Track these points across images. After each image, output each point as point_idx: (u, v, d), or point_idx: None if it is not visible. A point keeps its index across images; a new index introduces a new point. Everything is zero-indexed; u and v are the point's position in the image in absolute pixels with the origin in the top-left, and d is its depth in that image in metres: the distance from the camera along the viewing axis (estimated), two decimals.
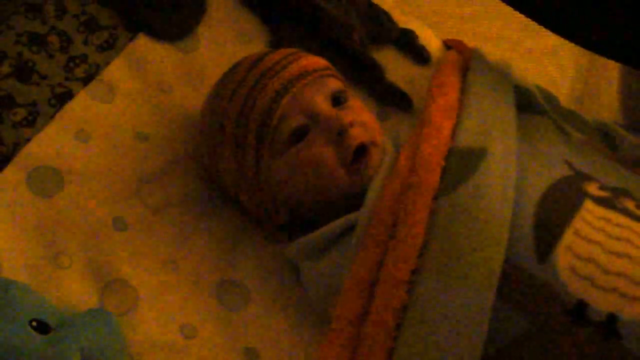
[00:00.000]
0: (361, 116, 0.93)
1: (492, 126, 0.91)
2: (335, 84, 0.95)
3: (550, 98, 1.06)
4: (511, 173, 0.84)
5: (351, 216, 0.89)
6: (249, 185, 0.94)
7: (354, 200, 0.90)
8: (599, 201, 0.82)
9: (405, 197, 0.84)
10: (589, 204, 0.82)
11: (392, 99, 1.12)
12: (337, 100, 0.94)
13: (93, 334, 0.79)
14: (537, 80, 1.12)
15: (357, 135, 0.90)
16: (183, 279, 0.94)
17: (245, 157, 0.92)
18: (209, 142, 0.96)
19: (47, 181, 0.93)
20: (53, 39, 1.02)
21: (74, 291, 0.88)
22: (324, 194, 0.92)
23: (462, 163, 0.85)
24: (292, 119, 0.91)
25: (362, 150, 0.91)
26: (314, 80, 0.93)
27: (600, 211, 0.81)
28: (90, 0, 1.07)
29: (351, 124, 0.90)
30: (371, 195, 0.88)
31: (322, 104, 0.92)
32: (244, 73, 0.94)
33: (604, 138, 1.02)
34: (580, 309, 0.75)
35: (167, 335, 0.89)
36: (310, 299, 0.94)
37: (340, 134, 0.90)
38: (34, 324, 0.77)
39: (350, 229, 0.89)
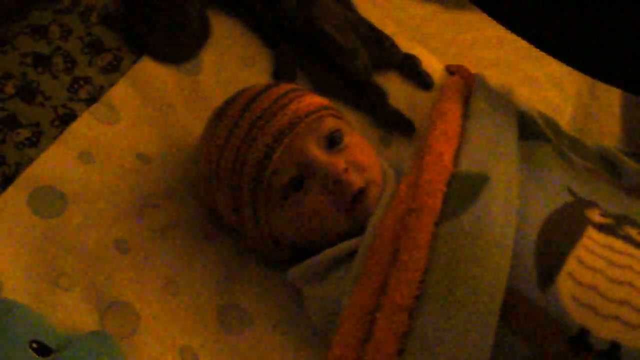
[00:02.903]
0: (358, 156, 0.92)
1: (494, 152, 0.91)
2: (329, 123, 0.93)
3: (552, 124, 1.06)
4: (513, 200, 0.84)
5: (353, 241, 0.89)
6: (249, 230, 0.95)
7: (355, 230, 0.91)
8: (601, 228, 0.82)
9: (407, 222, 0.84)
10: (591, 231, 0.82)
11: (395, 124, 1.12)
12: (332, 140, 0.93)
13: (94, 357, 0.79)
14: (539, 106, 1.12)
15: (353, 181, 0.90)
16: (184, 302, 0.94)
17: (242, 209, 0.93)
18: (206, 185, 0.96)
19: (49, 202, 0.93)
20: (57, 60, 1.02)
21: (75, 313, 0.87)
22: (324, 236, 0.92)
23: (464, 189, 0.85)
24: (286, 173, 0.90)
25: (359, 192, 0.90)
26: (306, 127, 0.92)
27: (603, 238, 0.81)
28: (95, 22, 1.07)
29: (346, 170, 0.90)
30: (373, 221, 0.88)
31: (315, 152, 0.90)
32: (235, 119, 0.93)
33: (606, 164, 1.02)
34: (582, 337, 0.74)
35: (167, 358, 0.88)
36: (312, 323, 0.93)
37: (335, 182, 0.89)
38: (34, 345, 0.76)
39: (352, 253, 0.89)
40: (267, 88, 0.96)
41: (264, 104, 0.93)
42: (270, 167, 0.89)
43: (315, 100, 0.96)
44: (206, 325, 0.93)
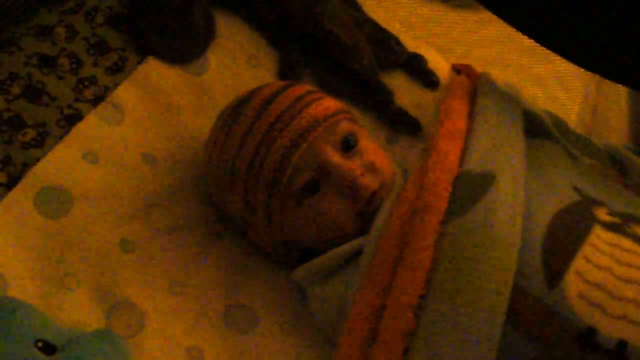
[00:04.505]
0: (372, 159, 0.93)
1: (500, 151, 0.90)
2: (345, 127, 0.94)
3: (559, 123, 1.05)
4: (519, 198, 0.83)
5: (358, 241, 0.89)
6: (260, 231, 0.95)
7: (363, 232, 0.91)
8: (608, 227, 0.82)
9: (412, 221, 0.84)
10: (598, 230, 0.81)
11: (401, 124, 1.12)
12: (348, 144, 0.93)
13: (99, 356, 0.78)
14: (546, 105, 1.12)
15: (368, 185, 0.90)
16: (190, 301, 0.94)
17: (256, 210, 0.93)
18: (219, 184, 0.96)
19: (54, 202, 0.93)
20: (63, 60, 1.03)
21: (81, 313, 0.87)
22: (335, 239, 0.92)
23: (470, 188, 0.85)
24: (303, 175, 0.90)
25: (372, 195, 0.91)
26: (323, 131, 0.92)
27: (610, 237, 0.80)
28: (101, 23, 1.08)
29: (362, 174, 0.90)
30: (379, 221, 0.88)
31: (333, 156, 0.91)
32: (252, 119, 0.92)
33: (614, 163, 1.02)
34: (589, 336, 0.74)
35: (173, 357, 0.89)
36: (317, 323, 0.93)
37: (351, 186, 0.90)
38: (40, 344, 0.76)
39: (357, 253, 0.88)
40: (284, 89, 0.96)
41: (282, 106, 0.92)
42: (287, 170, 0.90)
43: (332, 103, 0.96)
44: (212, 325, 0.93)
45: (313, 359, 0.93)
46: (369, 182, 0.91)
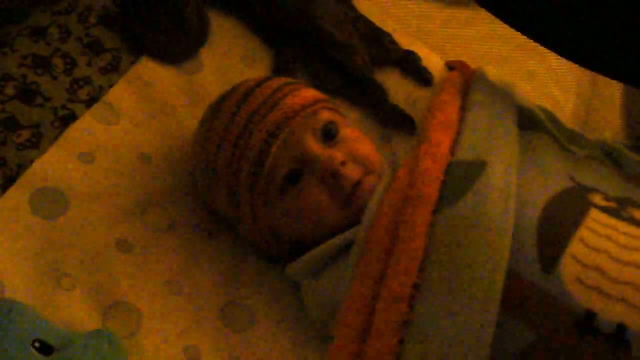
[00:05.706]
0: (354, 147, 0.92)
1: (492, 139, 0.90)
2: (324, 115, 0.93)
3: (553, 118, 1.06)
4: (512, 184, 0.83)
5: (350, 233, 0.89)
6: (247, 225, 0.95)
7: (352, 223, 0.90)
8: (605, 210, 0.81)
9: (404, 211, 0.84)
10: (594, 213, 0.80)
11: (395, 121, 1.12)
12: (328, 133, 0.93)
13: (96, 356, 0.78)
14: (540, 101, 1.12)
15: (350, 174, 0.90)
16: (187, 300, 0.93)
17: (240, 205, 0.93)
18: (204, 181, 0.96)
19: (50, 203, 0.93)
20: (57, 61, 1.03)
21: (77, 313, 0.87)
22: (321, 230, 0.92)
23: (461, 176, 0.85)
24: (283, 166, 0.90)
25: (356, 184, 0.90)
26: (302, 121, 0.92)
27: (607, 219, 0.80)
28: (94, 23, 1.08)
29: (343, 163, 0.90)
30: (369, 212, 0.88)
31: (312, 145, 0.90)
32: (230, 115, 0.93)
33: (607, 158, 1.02)
34: (588, 320, 0.73)
35: (170, 357, 0.88)
36: (310, 317, 0.93)
37: (332, 175, 0.89)
38: (37, 344, 0.76)
39: (349, 245, 0.88)
40: (262, 82, 0.96)
41: (259, 99, 0.93)
42: (267, 162, 0.89)
43: (310, 93, 0.96)
44: (209, 323, 0.93)
45: (310, 355, 0.93)
46: (351, 171, 0.90)
